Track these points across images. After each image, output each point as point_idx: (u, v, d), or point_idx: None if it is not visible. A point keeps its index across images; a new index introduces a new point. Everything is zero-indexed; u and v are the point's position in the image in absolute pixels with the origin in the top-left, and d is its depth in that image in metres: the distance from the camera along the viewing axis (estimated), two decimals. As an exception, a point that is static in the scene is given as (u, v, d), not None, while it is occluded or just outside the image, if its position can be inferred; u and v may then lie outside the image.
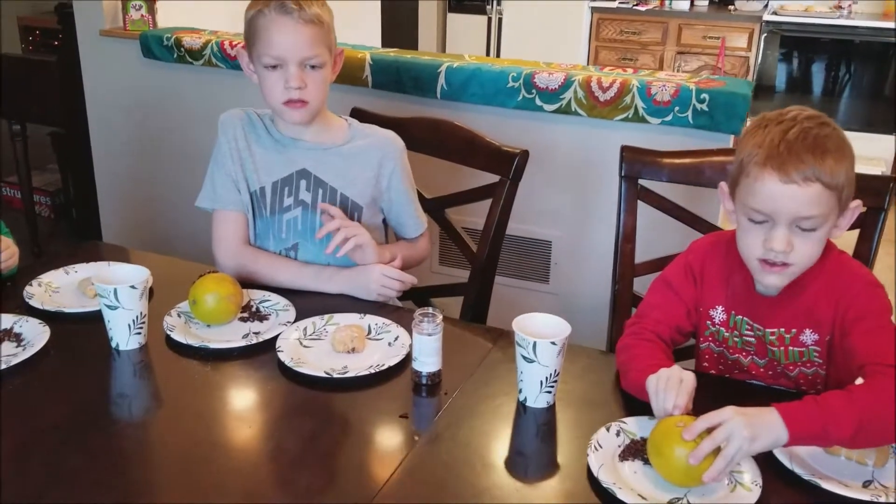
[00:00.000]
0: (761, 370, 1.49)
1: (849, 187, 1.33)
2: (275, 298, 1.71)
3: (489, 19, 5.90)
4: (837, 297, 1.39)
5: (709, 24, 5.51)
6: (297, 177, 1.82)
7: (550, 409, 1.39)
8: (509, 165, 1.91)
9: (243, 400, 1.47)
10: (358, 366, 1.48)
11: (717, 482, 1.17)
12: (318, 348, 1.55)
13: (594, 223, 2.64)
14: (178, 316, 1.63)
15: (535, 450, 1.35)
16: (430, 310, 1.43)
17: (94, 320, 1.57)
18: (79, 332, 1.60)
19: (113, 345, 1.53)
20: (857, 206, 1.37)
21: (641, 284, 1.84)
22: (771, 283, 1.39)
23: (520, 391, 1.39)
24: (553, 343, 1.33)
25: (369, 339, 1.58)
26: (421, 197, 2.01)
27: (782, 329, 1.44)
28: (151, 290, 1.63)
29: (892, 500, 1.17)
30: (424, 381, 1.44)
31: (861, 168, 1.36)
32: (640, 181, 1.86)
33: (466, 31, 6.06)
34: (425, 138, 2.05)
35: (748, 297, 1.46)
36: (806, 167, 1.27)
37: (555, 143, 2.57)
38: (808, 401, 1.22)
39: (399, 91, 2.69)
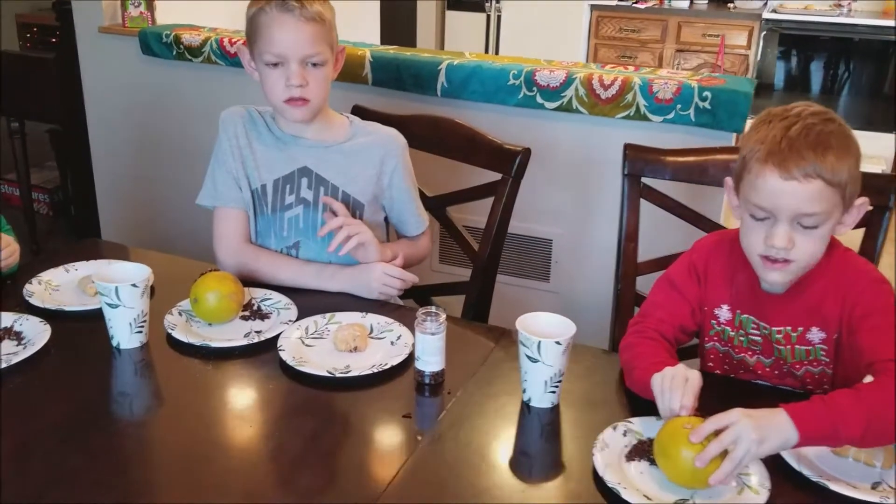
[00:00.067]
0: (767, 369, 1.49)
1: (853, 184, 1.32)
2: (276, 297, 1.70)
3: (488, 17, 5.89)
4: (844, 294, 1.38)
5: (708, 22, 5.50)
6: (299, 174, 1.81)
7: (554, 410, 1.38)
8: (511, 163, 1.90)
9: (245, 399, 1.46)
10: (360, 365, 1.47)
11: (724, 485, 1.16)
12: (320, 347, 1.54)
13: (595, 221, 2.63)
14: (180, 314, 1.62)
15: (539, 450, 1.35)
16: (434, 309, 1.42)
17: (95, 319, 1.56)
18: (79, 331, 1.59)
19: (114, 343, 1.52)
20: (863, 204, 1.36)
21: (643, 283, 1.84)
22: (773, 280, 1.38)
23: (523, 391, 1.39)
24: (558, 343, 1.32)
25: (371, 338, 1.57)
26: (422, 195, 2.00)
27: (788, 327, 1.43)
28: (152, 289, 1.62)
29: (900, 502, 1.16)
30: (427, 381, 1.43)
31: (861, 166, 1.35)
32: (643, 179, 1.85)
33: (465, 29, 6.05)
34: (426, 136, 2.04)
35: (753, 295, 1.45)
36: (807, 164, 1.27)
37: (555, 141, 2.56)
38: (815, 400, 1.21)
39: (399, 88, 2.68)
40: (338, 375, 1.44)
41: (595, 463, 1.22)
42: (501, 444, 1.33)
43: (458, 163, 2.04)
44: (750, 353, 1.49)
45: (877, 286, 1.37)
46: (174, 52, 3.04)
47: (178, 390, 1.47)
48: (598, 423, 1.32)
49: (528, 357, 1.34)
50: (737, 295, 1.48)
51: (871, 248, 1.67)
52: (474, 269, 1.97)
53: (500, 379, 1.48)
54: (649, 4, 5.65)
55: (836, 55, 5.49)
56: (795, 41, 5.47)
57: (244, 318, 1.63)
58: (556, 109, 2.48)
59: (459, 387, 1.44)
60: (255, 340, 1.54)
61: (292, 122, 1.79)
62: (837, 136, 1.30)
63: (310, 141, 1.82)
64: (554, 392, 1.37)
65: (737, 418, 1.16)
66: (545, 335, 1.33)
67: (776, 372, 1.48)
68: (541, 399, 1.37)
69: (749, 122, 1.93)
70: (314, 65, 1.72)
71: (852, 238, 1.51)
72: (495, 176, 1.95)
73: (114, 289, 1.47)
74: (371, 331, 1.59)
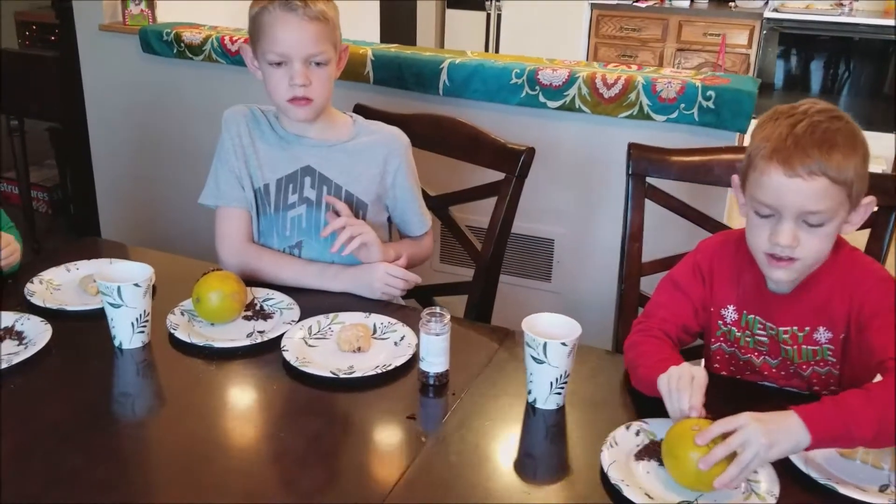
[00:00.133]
0: (774, 370, 1.48)
1: (859, 183, 1.31)
2: (278, 296, 1.69)
3: (488, 16, 5.88)
4: (850, 294, 1.37)
5: (709, 21, 5.49)
6: (302, 174, 1.80)
7: (560, 411, 1.37)
8: (515, 163, 1.89)
9: (248, 400, 1.45)
10: (364, 366, 1.46)
11: (729, 489, 1.15)
12: (323, 347, 1.53)
13: (597, 221, 2.62)
14: (182, 314, 1.61)
15: (544, 452, 1.34)
16: (438, 309, 1.41)
17: (97, 318, 1.55)
18: (81, 331, 1.58)
19: (116, 343, 1.52)
20: (870, 203, 1.35)
21: (646, 284, 1.83)
22: (779, 278, 1.37)
23: (529, 392, 1.38)
24: (564, 344, 1.31)
25: (375, 338, 1.56)
26: (424, 194, 1.99)
27: (795, 327, 1.42)
28: (154, 288, 1.61)
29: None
30: (432, 382, 1.43)
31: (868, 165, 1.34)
32: (648, 179, 1.84)
33: (465, 28, 6.04)
34: (427, 135, 2.03)
35: (759, 295, 1.44)
36: (811, 161, 1.26)
37: (558, 141, 2.55)
38: (826, 402, 1.20)
39: (401, 87, 2.67)
40: (341, 376, 1.44)
41: (601, 459, 1.22)
42: (507, 446, 1.32)
43: (458, 162, 2.03)
44: (756, 353, 1.48)
45: (884, 285, 1.37)
46: (175, 51, 3.04)
47: (180, 390, 1.46)
48: (603, 424, 1.31)
49: (534, 358, 1.33)
50: (743, 295, 1.47)
51: (877, 249, 1.66)
52: (477, 269, 1.96)
53: (505, 380, 1.47)
54: (650, 3, 5.64)
55: (837, 55, 5.49)
56: (795, 40, 5.47)
57: (247, 318, 1.62)
58: (558, 108, 2.47)
59: (464, 388, 1.43)
60: (259, 341, 1.53)
61: (296, 121, 1.78)
62: (844, 134, 1.29)
63: (313, 140, 1.81)
64: (560, 393, 1.36)
65: (745, 422, 1.15)
66: (550, 336, 1.33)
67: (783, 372, 1.47)
68: (546, 400, 1.36)
69: (753, 122, 1.93)
70: (318, 64, 1.71)
71: (858, 239, 1.51)
72: (496, 175, 1.94)
73: (116, 288, 1.47)
74: (374, 331, 1.58)
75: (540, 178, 2.48)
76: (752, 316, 1.46)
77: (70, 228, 4.22)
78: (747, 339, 1.48)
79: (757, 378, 1.50)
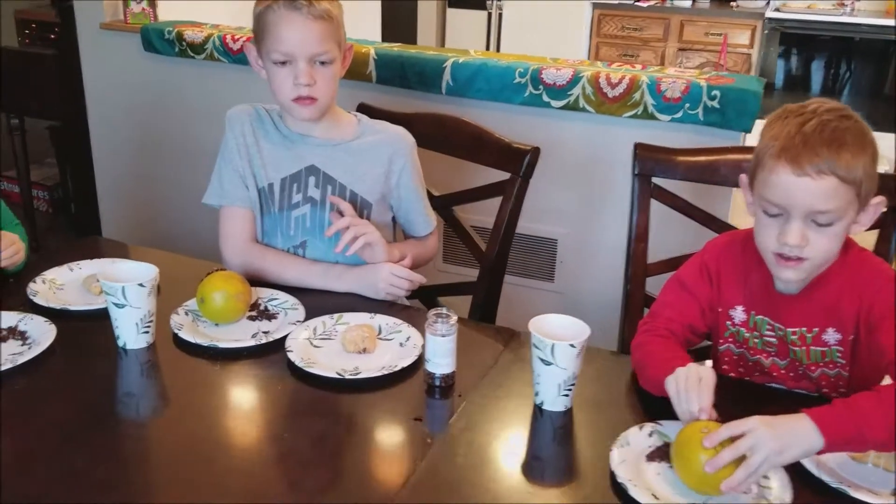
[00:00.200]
0: (783, 371, 1.47)
1: (868, 182, 1.30)
2: (283, 297, 1.68)
3: (489, 15, 5.87)
4: (860, 294, 1.36)
5: (711, 21, 5.48)
6: (306, 173, 1.79)
7: (567, 413, 1.36)
8: (520, 162, 1.88)
9: (252, 400, 1.44)
10: (369, 366, 1.45)
11: (737, 493, 1.14)
12: (328, 348, 1.52)
13: (601, 221, 2.61)
14: (186, 314, 1.60)
15: (552, 454, 1.33)
16: (444, 310, 1.40)
17: (100, 318, 1.54)
18: (84, 331, 1.57)
19: (120, 344, 1.51)
20: (879, 203, 1.34)
21: (651, 285, 1.82)
22: (787, 278, 1.36)
23: (536, 394, 1.37)
24: (572, 346, 1.30)
25: (380, 339, 1.55)
26: (428, 194, 1.97)
27: (804, 328, 1.41)
28: (158, 288, 1.60)
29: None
30: (438, 383, 1.42)
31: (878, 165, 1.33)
32: (653, 179, 1.83)
33: (466, 27, 6.03)
34: (431, 134, 2.02)
35: (767, 296, 1.44)
36: (820, 160, 1.25)
37: (562, 140, 2.54)
38: (837, 404, 1.19)
39: (403, 86, 2.66)
40: (347, 377, 1.43)
41: (611, 458, 1.21)
42: (514, 449, 1.31)
43: (461, 161, 2.02)
44: (765, 354, 1.47)
45: (894, 285, 1.35)
46: (176, 49, 3.02)
47: (184, 391, 1.45)
48: (611, 426, 1.30)
49: (542, 360, 1.32)
50: (751, 295, 1.46)
51: (885, 250, 1.65)
52: (482, 270, 1.95)
53: (511, 381, 1.46)
54: (651, 3, 5.63)
55: (837, 55, 5.48)
56: (796, 40, 5.46)
57: (251, 318, 1.61)
58: (562, 108, 2.46)
59: (470, 389, 1.42)
60: (263, 341, 1.52)
61: (300, 120, 1.77)
62: (853, 133, 1.28)
63: (317, 139, 1.80)
64: (567, 395, 1.35)
65: (754, 426, 1.14)
66: (558, 337, 1.32)
67: (791, 374, 1.47)
68: (554, 402, 1.35)
69: (758, 122, 1.92)
70: (322, 63, 1.70)
71: (865, 240, 1.50)
72: (499, 174, 1.93)
73: (120, 288, 1.46)
74: (379, 332, 1.57)
75: (543, 177, 2.46)
76: (760, 317, 1.45)
77: (71, 227, 4.22)
78: (755, 339, 1.47)
79: (766, 380, 1.49)
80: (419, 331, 1.53)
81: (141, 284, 1.47)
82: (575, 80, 2.42)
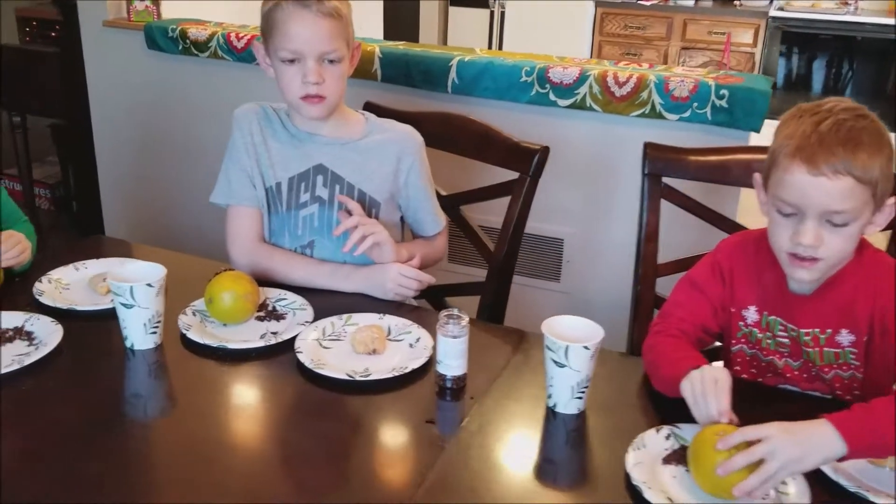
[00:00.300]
0: (796, 372, 1.46)
1: (884, 182, 1.29)
2: (291, 297, 1.67)
3: (491, 13, 5.86)
4: (874, 295, 1.35)
5: (714, 20, 5.46)
6: (314, 172, 1.78)
7: (580, 415, 1.35)
8: (529, 162, 1.87)
9: (262, 401, 1.43)
10: (380, 368, 1.44)
11: (752, 499, 1.13)
12: (337, 349, 1.51)
13: (608, 220, 2.60)
14: (194, 314, 1.59)
15: (565, 457, 1.31)
16: (456, 311, 1.39)
17: (107, 318, 1.53)
18: (91, 331, 1.56)
19: (127, 344, 1.49)
20: (894, 203, 1.33)
21: (661, 286, 1.81)
22: (801, 278, 1.35)
23: (549, 396, 1.35)
24: (586, 348, 1.29)
25: (389, 340, 1.54)
26: (437, 193, 1.96)
27: (817, 329, 1.40)
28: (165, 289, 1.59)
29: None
30: (449, 385, 1.40)
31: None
32: (663, 179, 1.82)
33: (468, 26, 6.01)
34: (437, 133, 2.00)
35: (781, 296, 1.42)
36: (836, 160, 1.24)
37: (568, 139, 2.53)
38: (857, 410, 1.18)
39: (409, 85, 2.65)
40: (357, 378, 1.41)
41: (626, 460, 1.20)
42: (527, 451, 1.30)
43: (467, 160, 2.00)
44: (778, 355, 1.46)
45: None
46: (180, 47, 3.01)
47: (192, 392, 1.44)
48: (625, 428, 1.29)
49: (555, 362, 1.31)
50: (764, 295, 1.45)
51: (897, 251, 1.64)
52: (490, 270, 1.94)
53: (523, 383, 1.45)
54: (654, 1, 5.62)
55: (839, 54, 5.46)
56: (798, 39, 5.44)
57: (259, 318, 1.60)
58: (569, 107, 2.45)
59: (481, 391, 1.41)
60: (272, 342, 1.51)
61: (308, 119, 1.76)
62: (870, 133, 1.27)
63: (325, 138, 1.78)
64: (581, 398, 1.33)
65: (772, 433, 1.12)
66: (570, 339, 1.30)
67: (805, 375, 1.45)
68: (567, 405, 1.34)
69: (767, 121, 1.91)
70: (331, 61, 1.69)
71: (877, 241, 1.49)
72: (505, 173, 1.91)
73: (128, 289, 1.44)
74: (389, 333, 1.56)
75: (549, 177, 2.45)
76: (773, 317, 1.44)
77: (73, 225, 4.21)
78: (768, 340, 1.46)
79: (779, 381, 1.48)
80: (429, 332, 1.52)
81: (149, 284, 1.45)
82: (582, 78, 2.40)
